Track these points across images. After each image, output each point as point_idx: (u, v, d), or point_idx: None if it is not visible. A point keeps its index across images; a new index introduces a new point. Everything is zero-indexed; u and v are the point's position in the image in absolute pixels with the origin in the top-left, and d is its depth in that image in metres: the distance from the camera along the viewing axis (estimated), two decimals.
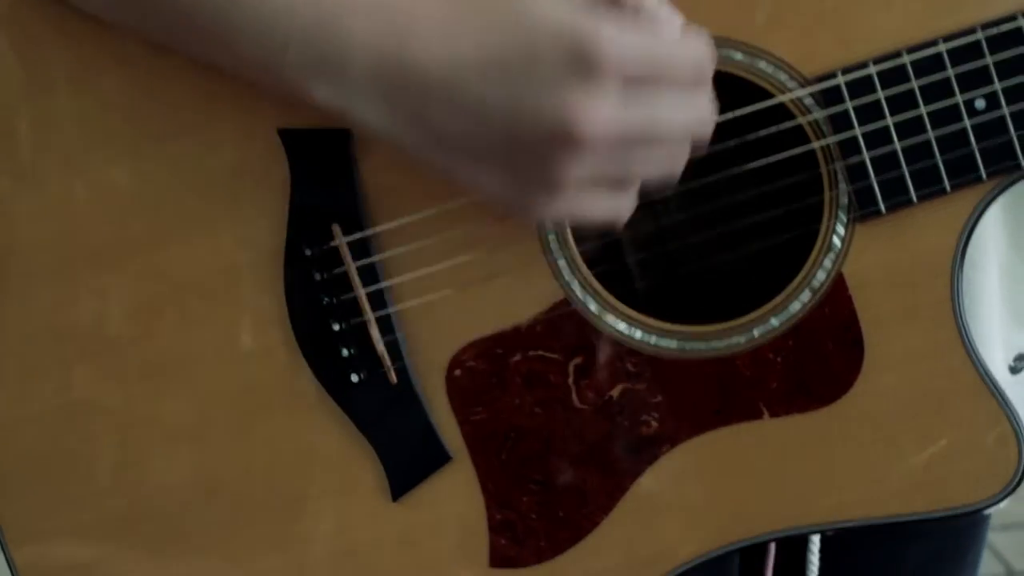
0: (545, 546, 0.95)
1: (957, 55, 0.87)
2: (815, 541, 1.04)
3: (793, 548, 1.06)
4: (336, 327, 0.93)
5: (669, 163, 0.84)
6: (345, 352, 0.94)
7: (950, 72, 0.88)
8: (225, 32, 0.85)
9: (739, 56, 0.89)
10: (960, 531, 1.16)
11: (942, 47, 0.87)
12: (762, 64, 0.89)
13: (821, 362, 0.92)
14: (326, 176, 0.92)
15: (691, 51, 0.81)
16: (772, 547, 1.07)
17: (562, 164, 0.80)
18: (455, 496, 0.95)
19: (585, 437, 0.94)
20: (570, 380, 0.94)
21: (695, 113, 0.83)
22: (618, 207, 0.84)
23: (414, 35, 0.81)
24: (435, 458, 0.95)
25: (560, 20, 0.78)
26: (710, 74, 0.83)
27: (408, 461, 0.95)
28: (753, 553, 1.07)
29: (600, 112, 0.78)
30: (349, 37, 0.82)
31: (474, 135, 0.81)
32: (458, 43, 0.80)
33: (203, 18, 0.85)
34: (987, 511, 0.94)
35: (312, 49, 0.83)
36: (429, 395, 0.95)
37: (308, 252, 0.92)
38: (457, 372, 0.94)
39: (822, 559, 1.05)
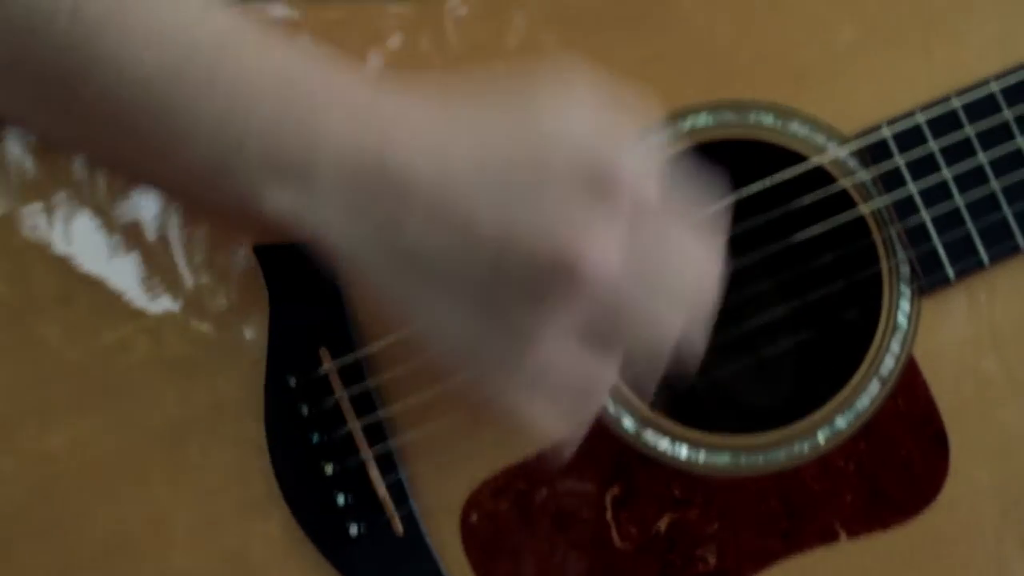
0: None
1: (1012, 94, 0.78)
2: None
3: None
4: (329, 469, 0.79)
5: (663, 327, 0.70)
6: (341, 500, 0.79)
7: (1007, 114, 0.78)
8: (168, 133, 0.72)
9: (770, 120, 0.79)
10: None
11: (994, 87, 0.78)
12: (795, 126, 0.79)
13: (901, 465, 0.78)
14: (309, 294, 0.79)
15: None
16: None
17: (550, 305, 0.66)
18: None
19: None
20: (608, 515, 0.80)
21: (705, 266, 0.71)
22: (596, 376, 0.70)
23: (398, 139, 0.70)
24: None
25: (578, 139, 0.67)
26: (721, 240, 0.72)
27: None
28: None
29: (609, 243, 0.66)
30: (321, 134, 0.70)
31: (453, 257, 0.68)
32: (451, 149, 0.69)
33: (142, 117, 0.72)
34: None
35: (274, 146, 0.70)
36: (442, 548, 0.79)
37: (293, 382, 0.79)
38: (474, 517, 0.80)
39: None
